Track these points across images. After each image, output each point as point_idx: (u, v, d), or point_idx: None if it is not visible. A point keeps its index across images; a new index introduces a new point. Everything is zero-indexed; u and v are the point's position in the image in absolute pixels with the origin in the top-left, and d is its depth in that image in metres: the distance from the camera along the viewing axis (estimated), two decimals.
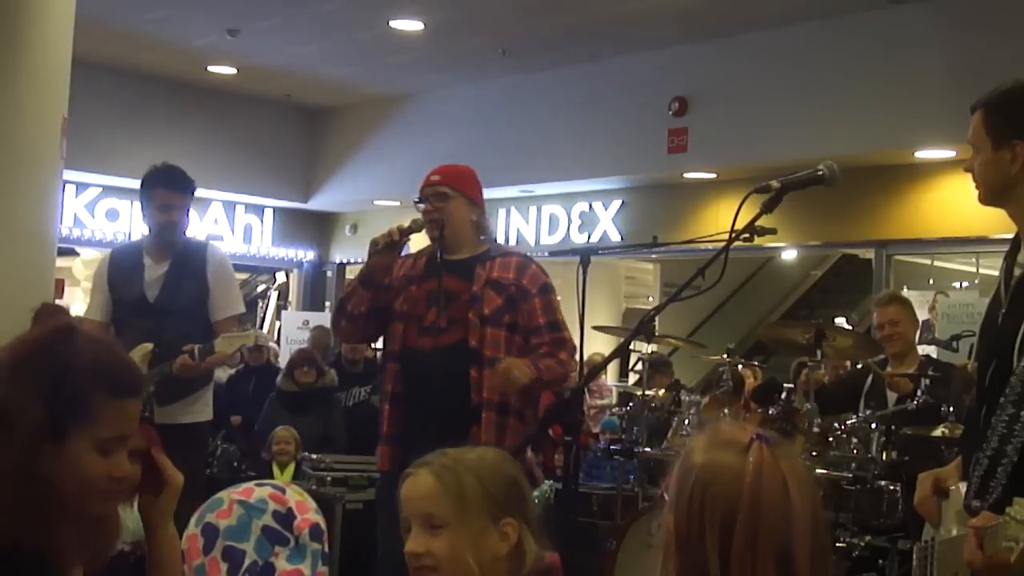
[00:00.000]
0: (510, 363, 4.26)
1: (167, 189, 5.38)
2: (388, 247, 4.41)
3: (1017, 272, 2.89)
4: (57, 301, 7.39)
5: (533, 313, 4.42)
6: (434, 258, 4.55)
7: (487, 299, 4.38)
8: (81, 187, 13.60)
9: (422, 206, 4.52)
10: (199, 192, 14.37)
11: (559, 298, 4.57)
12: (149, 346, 5.09)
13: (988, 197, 2.89)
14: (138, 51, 12.32)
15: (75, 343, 2.03)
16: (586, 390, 7.31)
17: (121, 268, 5.44)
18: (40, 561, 1.92)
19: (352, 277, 4.72)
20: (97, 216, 13.87)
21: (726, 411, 5.83)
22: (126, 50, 12.25)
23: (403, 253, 4.62)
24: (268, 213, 15.50)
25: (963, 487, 2.88)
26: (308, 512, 2.47)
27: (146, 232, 5.58)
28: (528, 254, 4.69)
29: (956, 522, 2.90)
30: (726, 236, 3.03)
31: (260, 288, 17.29)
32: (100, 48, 11.57)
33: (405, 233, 4.40)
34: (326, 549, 2.54)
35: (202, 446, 5.78)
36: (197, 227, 14.31)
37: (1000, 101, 2.84)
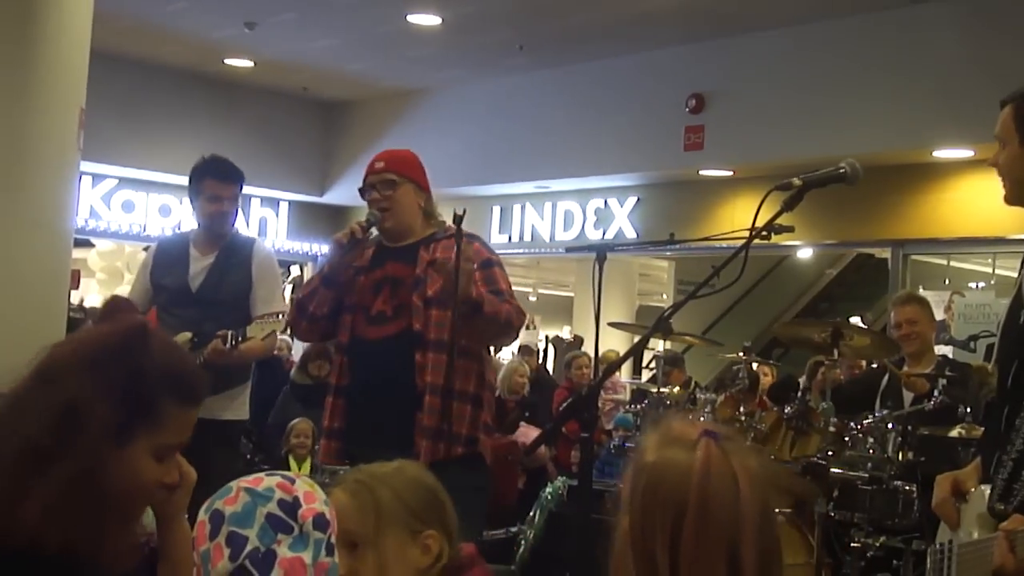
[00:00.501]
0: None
1: (216, 179, 5.37)
2: (353, 244, 4.31)
3: None
4: (72, 292, 7.42)
5: (477, 285, 4.17)
6: (381, 247, 4.43)
7: (430, 280, 4.21)
8: (97, 178, 13.62)
9: (368, 195, 4.38)
10: None
11: (506, 270, 4.38)
12: (188, 335, 5.05)
13: (1014, 192, 2.86)
14: (156, 43, 12.35)
15: (150, 345, 1.98)
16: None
17: (166, 258, 5.44)
18: (88, 563, 1.89)
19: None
20: (113, 208, 13.89)
21: (742, 409, 5.82)
22: (144, 42, 12.28)
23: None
24: (283, 206, 15.53)
25: (985, 489, 2.85)
26: (314, 502, 2.46)
27: (194, 225, 5.57)
28: (473, 232, 4.39)
29: (977, 525, 2.87)
30: (744, 234, 2.99)
31: None
32: (118, 40, 11.60)
33: (367, 228, 4.30)
34: (331, 540, 2.53)
35: (236, 444, 5.76)
36: None
37: None
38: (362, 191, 4.41)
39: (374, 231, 4.42)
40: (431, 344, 4.16)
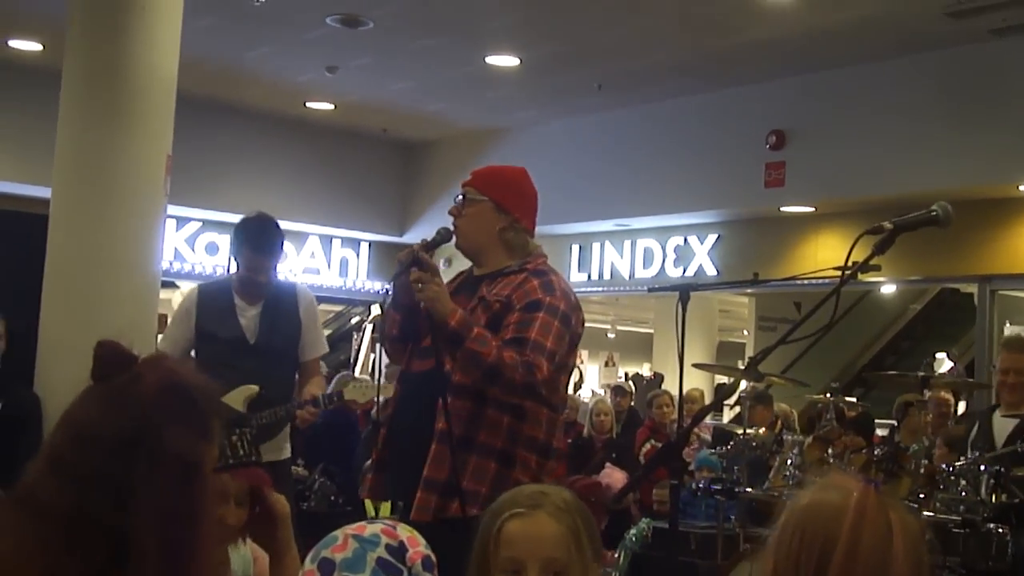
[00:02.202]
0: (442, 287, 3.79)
1: (254, 253, 5.30)
2: (412, 266, 3.92)
3: None
4: (160, 335, 7.51)
5: (505, 329, 3.80)
6: (469, 272, 4.16)
7: (475, 318, 3.84)
8: (182, 221, 13.84)
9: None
10: (296, 226, 14.38)
11: (557, 322, 3.85)
12: (255, 388, 4.99)
13: None
14: (239, 88, 12.55)
15: (186, 373, 1.96)
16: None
17: (212, 308, 5.37)
18: None
19: None
20: (197, 250, 14.10)
21: (830, 451, 5.74)
22: (227, 87, 12.49)
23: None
24: (364, 247, 15.64)
25: None
26: (419, 546, 2.55)
27: (233, 269, 5.58)
28: (546, 269, 4.04)
29: None
30: (828, 272, 2.95)
31: (355, 320, 17.43)
32: (202, 85, 11.80)
33: (429, 248, 3.89)
34: None
35: (283, 483, 5.72)
36: (294, 260, 14.52)
37: None
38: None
39: (455, 252, 4.20)
40: (453, 388, 3.79)
